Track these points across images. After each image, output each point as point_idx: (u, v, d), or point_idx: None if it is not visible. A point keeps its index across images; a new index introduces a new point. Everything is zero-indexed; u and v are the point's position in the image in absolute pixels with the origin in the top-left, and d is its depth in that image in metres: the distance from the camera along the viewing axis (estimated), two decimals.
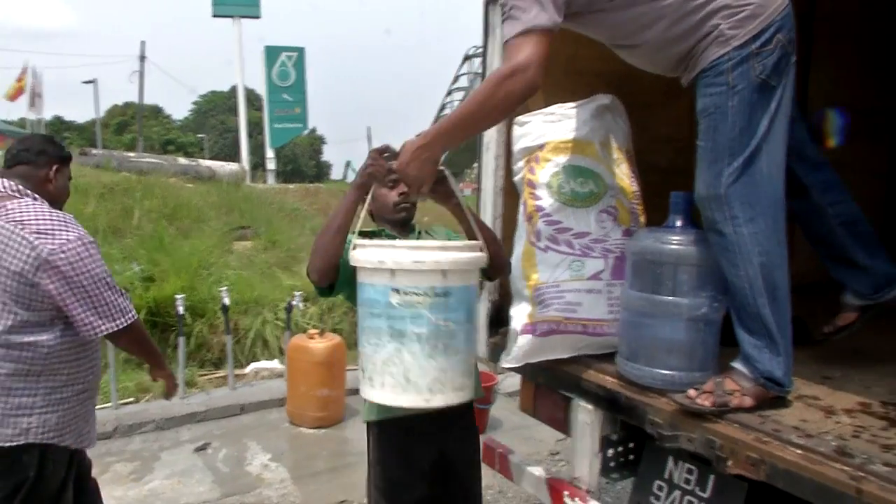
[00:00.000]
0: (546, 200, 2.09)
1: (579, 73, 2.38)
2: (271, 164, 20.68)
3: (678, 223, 1.88)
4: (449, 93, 21.36)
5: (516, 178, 2.21)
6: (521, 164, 2.18)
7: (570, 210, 2.07)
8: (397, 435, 2.11)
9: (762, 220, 1.73)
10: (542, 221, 2.08)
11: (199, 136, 42.85)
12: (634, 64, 1.95)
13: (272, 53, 20.00)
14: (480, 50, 2.49)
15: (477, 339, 2.16)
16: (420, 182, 1.81)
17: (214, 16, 19.54)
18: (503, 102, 1.67)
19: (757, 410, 1.76)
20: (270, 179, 19.99)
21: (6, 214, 2.03)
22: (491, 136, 2.32)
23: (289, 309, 6.03)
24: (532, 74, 1.65)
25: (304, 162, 46.11)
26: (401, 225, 2.17)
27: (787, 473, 1.53)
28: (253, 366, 6.25)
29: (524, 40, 1.66)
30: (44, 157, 2.21)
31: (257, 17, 20.02)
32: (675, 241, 1.85)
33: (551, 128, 2.14)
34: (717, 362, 1.90)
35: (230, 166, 15.18)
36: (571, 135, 2.11)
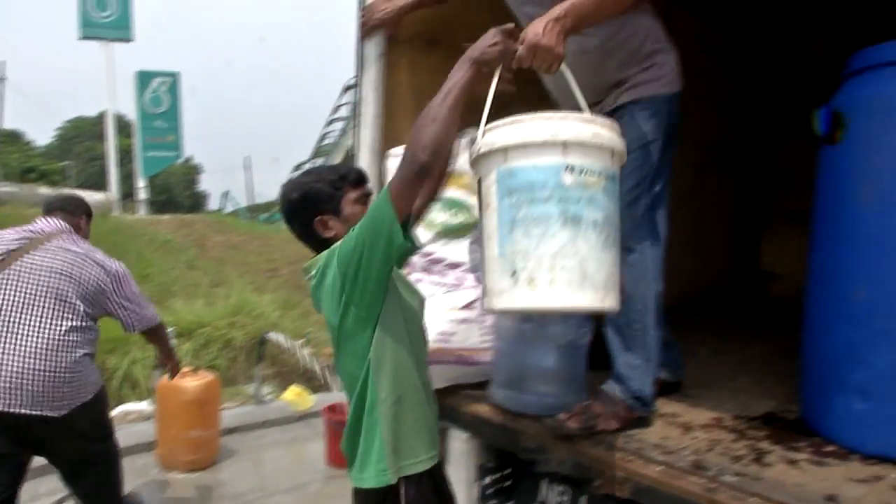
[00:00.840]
0: (419, 231, 2.11)
1: None
2: (143, 194, 19.70)
3: None
4: (329, 122, 21.26)
5: None
6: None
7: (443, 241, 2.11)
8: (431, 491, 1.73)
9: (661, 248, 1.92)
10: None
11: (64, 163, 40.24)
12: (573, 67, 1.80)
13: (144, 78, 19.15)
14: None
15: None
16: (553, 57, 1.61)
17: (83, 38, 18.53)
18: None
19: (623, 430, 1.84)
20: (142, 210, 19.01)
21: (74, 243, 2.80)
22: (364, 168, 2.32)
23: None
24: None
25: (178, 192, 44.18)
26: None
27: (650, 490, 1.61)
28: (120, 408, 5.86)
29: None
30: (80, 210, 2.96)
31: (129, 40, 19.16)
32: None
33: None
34: (587, 385, 1.98)
35: (97, 196, 14.35)
36: None
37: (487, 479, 2.19)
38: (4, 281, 2.60)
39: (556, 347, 1.94)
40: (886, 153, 1.63)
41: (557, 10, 1.62)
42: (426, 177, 1.49)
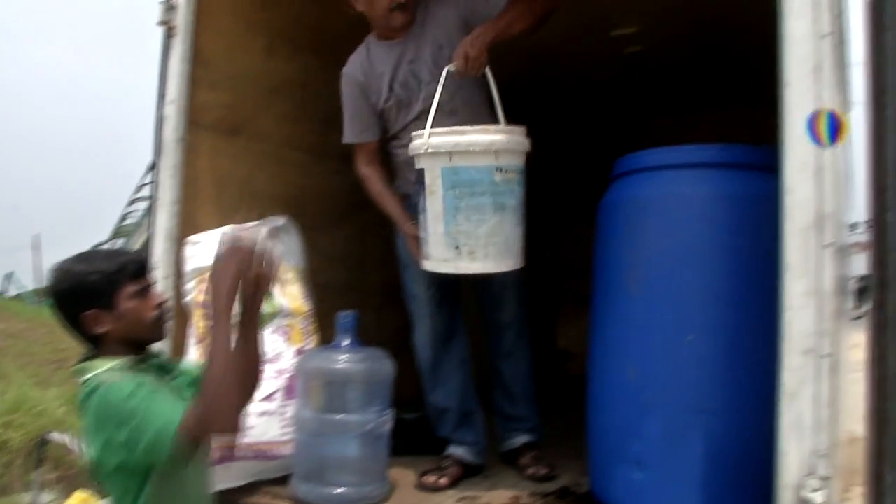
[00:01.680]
0: None
1: (254, 195, 2.42)
2: None
3: (345, 342, 1.97)
4: (131, 202, 20.02)
5: (186, 300, 2.13)
6: (192, 284, 2.12)
7: None
8: None
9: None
10: None
11: None
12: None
13: None
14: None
15: None
16: (479, 64, 2.03)
17: None
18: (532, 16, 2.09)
19: None
20: None
21: None
22: (159, 256, 2.22)
23: None
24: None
25: None
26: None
27: None
28: None
29: None
30: None
31: None
32: (342, 360, 1.93)
33: None
34: (388, 474, 1.98)
35: None
36: None
37: None
38: None
39: (356, 437, 1.93)
40: (644, 246, 1.86)
41: (478, 29, 2.05)
42: (223, 436, 1.40)
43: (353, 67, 2.28)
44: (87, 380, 1.44)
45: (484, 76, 2.10)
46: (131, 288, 1.51)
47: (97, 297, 1.49)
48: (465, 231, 1.93)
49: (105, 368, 1.44)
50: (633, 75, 3.67)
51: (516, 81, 3.37)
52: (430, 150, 1.93)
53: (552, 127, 4.73)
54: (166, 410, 1.36)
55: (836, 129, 1.38)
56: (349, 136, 2.31)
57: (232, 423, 1.38)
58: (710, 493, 1.75)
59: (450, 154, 1.92)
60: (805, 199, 1.39)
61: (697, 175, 1.86)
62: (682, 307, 1.81)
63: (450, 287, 2.27)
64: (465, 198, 1.93)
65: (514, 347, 2.37)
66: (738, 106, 3.67)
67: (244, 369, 1.45)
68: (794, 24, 1.41)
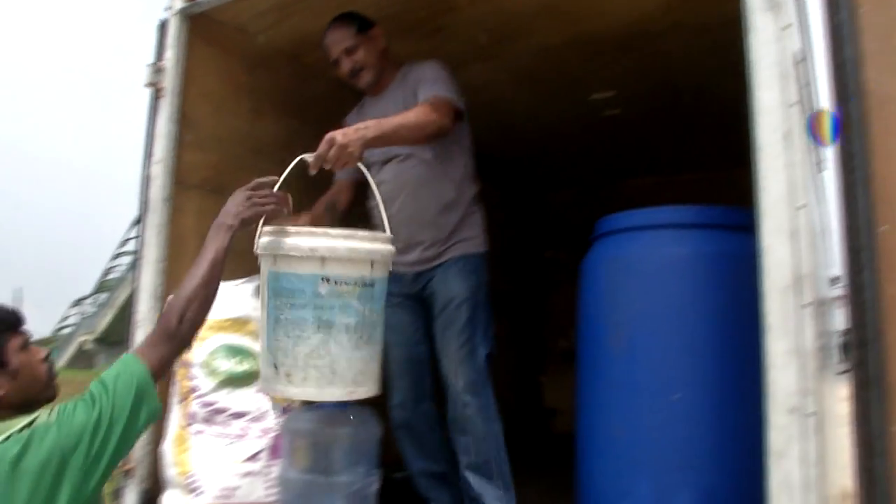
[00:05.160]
0: (201, 380, 2.02)
1: (240, 254, 2.41)
2: None
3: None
4: (116, 256, 19.89)
5: None
6: None
7: (227, 390, 2.03)
8: None
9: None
10: (197, 403, 2.01)
11: None
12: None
13: None
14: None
15: None
16: (346, 154, 1.79)
17: None
18: (423, 123, 2.04)
19: None
20: None
21: None
22: (144, 314, 2.21)
23: None
24: (447, 125, 2.10)
25: None
26: None
27: None
28: None
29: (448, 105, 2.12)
30: None
31: None
32: (328, 420, 1.90)
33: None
34: None
35: None
36: (229, 314, 2.11)
37: None
38: None
39: (343, 497, 1.88)
40: (626, 305, 1.89)
41: (364, 122, 1.90)
42: (183, 348, 1.48)
43: (349, 118, 2.40)
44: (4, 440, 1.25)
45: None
46: (16, 341, 1.41)
47: None
48: (283, 348, 1.65)
49: (19, 426, 1.26)
50: (612, 137, 3.77)
51: (494, 142, 3.47)
52: (258, 251, 1.71)
53: (536, 185, 4.85)
54: (123, 371, 1.35)
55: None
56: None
57: (194, 326, 1.47)
58: None
59: (274, 257, 1.68)
60: (782, 260, 1.42)
61: (677, 235, 1.91)
62: (667, 365, 1.83)
63: (417, 347, 2.33)
64: (284, 309, 1.65)
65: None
66: (716, 166, 3.78)
67: (215, 282, 1.52)
68: (764, 95, 1.48)
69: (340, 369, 1.66)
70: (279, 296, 1.66)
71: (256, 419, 2.06)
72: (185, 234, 2.33)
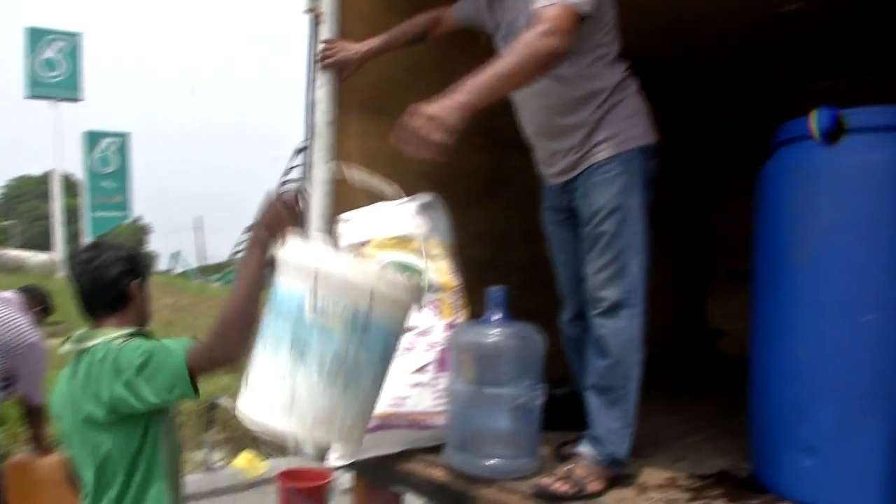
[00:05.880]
0: None
1: (401, 173, 2.47)
2: None
3: (497, 317, 1.98)
4: (281, 184, 21.18)
5: None
6: None
7: None
8: None
9: (645, 315, 1.95)
10: None
11: (7, 222, 39.08)
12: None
13: (93, 139, 18.86)
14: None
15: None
16: (444, 129, 1.56)
17: (30, 97, 18.24)
18: (532, 61, 1.67)
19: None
20: None
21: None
22: (314, 233, 2.33)
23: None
24: (566, 46, 1.69)
25: None
26: None
27: None
28: None
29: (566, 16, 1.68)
30: (36, 303, 4.01)
31: (78, 99, 18.94)
32: (494, 334, 1.94)
33: (375, 225, 2.20)
34: (540, 448, 1.99)
35: (40, 256, 13.92)
36: (395, 232, 2.18)
37: None
38: None
39: (508, 410, 1.94)
40: (814, 217, 1.72)
41: (449, 98, 1.61)
42: (228, 366, 1.65)
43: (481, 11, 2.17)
44: (95, 345, 1.71)
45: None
46: (139, 283, 1.86)
47: (142, 271, 1.85)
48: (257, 364, 1.48)
49: (113, 336, 1.71)
50: (791, 35, 3.39)
51: (657, 43, 3.23)
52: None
53: (699, 94, 4.51)
54: (177, 350, 1.63)
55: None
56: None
57: (237, 350, 1.60)
58: (889, 484, 1.62)
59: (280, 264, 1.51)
60: None
61: (874, 139, 1.70)
62: (859, 284, 1.66)
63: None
64: (271, 318, 1.47)
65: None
66: None
67: (256, 300, 1.62)
68: None
69: (304, 405, 1.41)
70: (273, 303, 1.48)
71: (423, 333, 2.13)
72: (350, 156, 2.41)
